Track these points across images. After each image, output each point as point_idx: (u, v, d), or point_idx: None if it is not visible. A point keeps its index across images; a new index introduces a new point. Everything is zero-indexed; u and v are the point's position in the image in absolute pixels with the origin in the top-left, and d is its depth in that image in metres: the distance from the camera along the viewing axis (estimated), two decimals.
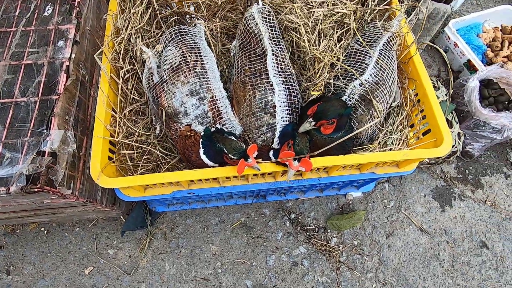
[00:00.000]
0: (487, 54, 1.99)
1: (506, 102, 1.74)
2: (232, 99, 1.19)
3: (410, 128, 1.30)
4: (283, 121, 1.07)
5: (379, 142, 1.20)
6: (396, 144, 1.22)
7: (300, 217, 1.66)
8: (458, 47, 1.97)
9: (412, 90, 1.29)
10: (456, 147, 1.54)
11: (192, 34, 1.25)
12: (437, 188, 1.75)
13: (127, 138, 1.17)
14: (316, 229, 1.63)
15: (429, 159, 1.59)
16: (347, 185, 1.59)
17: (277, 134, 1.06)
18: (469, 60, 1.93)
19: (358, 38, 1.22)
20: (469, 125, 1.69)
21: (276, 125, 1.06)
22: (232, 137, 1.00)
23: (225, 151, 0.96)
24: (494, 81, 1.77)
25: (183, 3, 1.39)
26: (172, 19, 1.30)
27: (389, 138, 1.21)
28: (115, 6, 1.27)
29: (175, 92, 1.10)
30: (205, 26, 1.28)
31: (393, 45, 1.24)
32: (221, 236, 1.59)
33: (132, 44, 1.24)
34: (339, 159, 1.07)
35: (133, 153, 1.14)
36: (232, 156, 0.96)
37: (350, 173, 1.28)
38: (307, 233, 1.62)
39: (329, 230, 1.63)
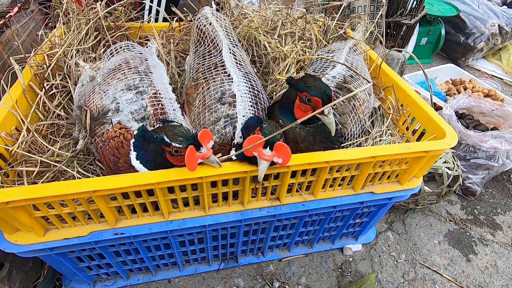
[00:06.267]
0: (447, 99, 2.03)
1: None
2: (183, 104, 0.96)
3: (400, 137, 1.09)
4: (246, 113, 0.83)
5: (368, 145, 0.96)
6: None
7: (287, 286, 1.18)
8: (419, 94, 2.01)
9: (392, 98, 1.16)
10: (456, 170, 1.31)
11: (140, 49, 1.11)
12: (451, 233, 1.41)
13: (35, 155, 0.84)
14: None
15: (431, 189, 1.32)
16: (341, 232, 1.22)
17: (239, 127, 0.80)
18: (434, 103, 1.94)
19: (323, 49, 1.15)
20: (460, 154, 1.52)
21: (236, 116, 0.81)
22: (176, 124, 0.72)
23: (166, 139, 0.67)
24: (466, 113, 1.72)
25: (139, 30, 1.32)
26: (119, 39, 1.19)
27: (380, 140, 0.98)
28: (59, 30, 1.16)
29: (107, 90, 0.87)
30: (160, 44, 1.17)
31: (358, 51, 1.18)
32: None
33: (68, 62, 1.07)
34: (328, 154, 0.79)
35: (34, 170, 0.79)
36: (176, 144, 0.66)
37: (342, 194, 0.98)
38: None
39: None
